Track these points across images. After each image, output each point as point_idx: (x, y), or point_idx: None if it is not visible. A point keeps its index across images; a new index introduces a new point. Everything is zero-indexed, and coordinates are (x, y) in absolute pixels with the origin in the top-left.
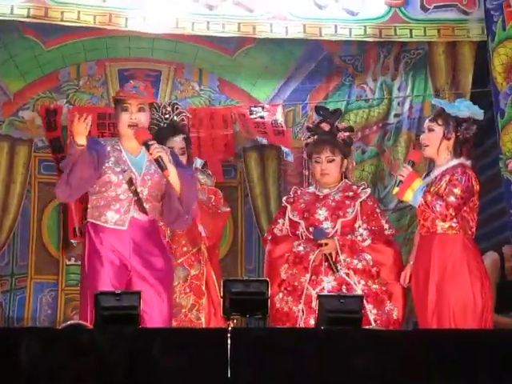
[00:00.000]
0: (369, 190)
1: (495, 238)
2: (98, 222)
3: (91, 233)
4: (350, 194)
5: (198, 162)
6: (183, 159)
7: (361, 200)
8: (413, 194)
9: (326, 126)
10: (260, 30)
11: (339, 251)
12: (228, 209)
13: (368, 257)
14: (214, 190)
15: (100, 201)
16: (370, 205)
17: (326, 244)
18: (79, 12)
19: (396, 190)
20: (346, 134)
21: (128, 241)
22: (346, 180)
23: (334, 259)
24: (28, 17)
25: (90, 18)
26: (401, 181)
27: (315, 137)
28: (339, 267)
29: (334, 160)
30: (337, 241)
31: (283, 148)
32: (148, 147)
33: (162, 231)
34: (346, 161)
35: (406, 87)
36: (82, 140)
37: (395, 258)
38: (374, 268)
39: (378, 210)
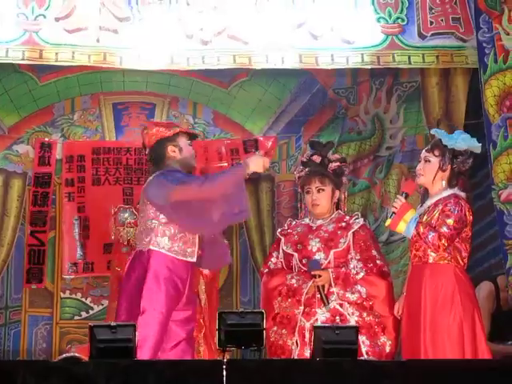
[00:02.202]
0: (361, 221)
1: (488, 263)
2: (165, 252)
3: (154, 261)
4: (343, 224)
5: None
6: None
7: (353, 230)
8: (406, 226)
9: (317, 159)
10: (256, 61)
11: (332, 283)
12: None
13: (362, 289)
14: None
15: (170, 230)
16: (362, 235)
17: (320, 276)
18: (74, 52)
19: (388, 221)
20: (337, 164)
21: (190, 272)
22: (339, 211)
23: (326, 291)
24: (23, 59)
25: (84, 58)
26: (394, 212)
27: (307, 169)
28: (332, 299)
29: (323, 190)
30: (331, 273)
31: None
32: None
33: None
34: (337, 191)
35: (399, 120)
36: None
37: (388, 291)
38: (368, 301)
39: (370, 241)
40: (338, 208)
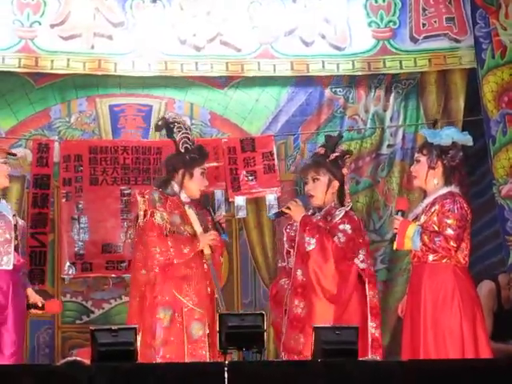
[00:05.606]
0: (342, 212)
1: (489, 261)
2: None
3: None
4: (328, 218)
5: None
6: (205, 181)
7: (333, 223)
8: (411, 241)
9: (321, 150)
10: (248, 69)
11: (297, 222)
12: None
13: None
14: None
15: None
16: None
17: (290, 209)
18: (69, 59)
19: (395, 244)
20: (336, 154)
21: (10, 280)
22: (333, 203)
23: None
24: (19, 67)
25: (79, 65)
26: (395, 234)
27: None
28: None
29: (318, 179)
30: (302, 215)
31: (268, 198)
32: None
33: None
34: (335, 182)
35: (399, 117)
36: None
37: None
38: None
39: (351, 232)
40: (341, 203)
